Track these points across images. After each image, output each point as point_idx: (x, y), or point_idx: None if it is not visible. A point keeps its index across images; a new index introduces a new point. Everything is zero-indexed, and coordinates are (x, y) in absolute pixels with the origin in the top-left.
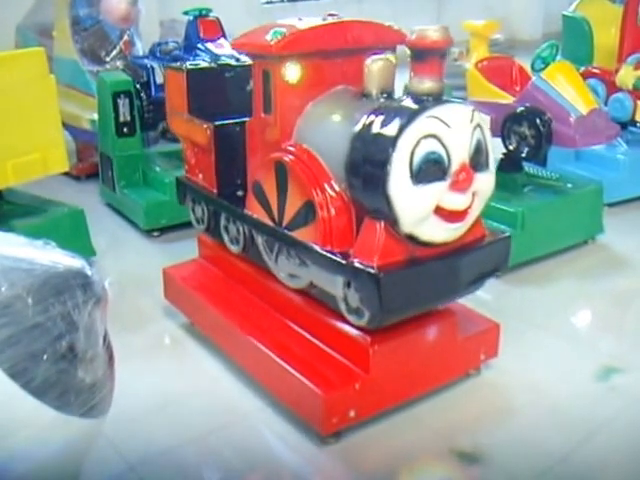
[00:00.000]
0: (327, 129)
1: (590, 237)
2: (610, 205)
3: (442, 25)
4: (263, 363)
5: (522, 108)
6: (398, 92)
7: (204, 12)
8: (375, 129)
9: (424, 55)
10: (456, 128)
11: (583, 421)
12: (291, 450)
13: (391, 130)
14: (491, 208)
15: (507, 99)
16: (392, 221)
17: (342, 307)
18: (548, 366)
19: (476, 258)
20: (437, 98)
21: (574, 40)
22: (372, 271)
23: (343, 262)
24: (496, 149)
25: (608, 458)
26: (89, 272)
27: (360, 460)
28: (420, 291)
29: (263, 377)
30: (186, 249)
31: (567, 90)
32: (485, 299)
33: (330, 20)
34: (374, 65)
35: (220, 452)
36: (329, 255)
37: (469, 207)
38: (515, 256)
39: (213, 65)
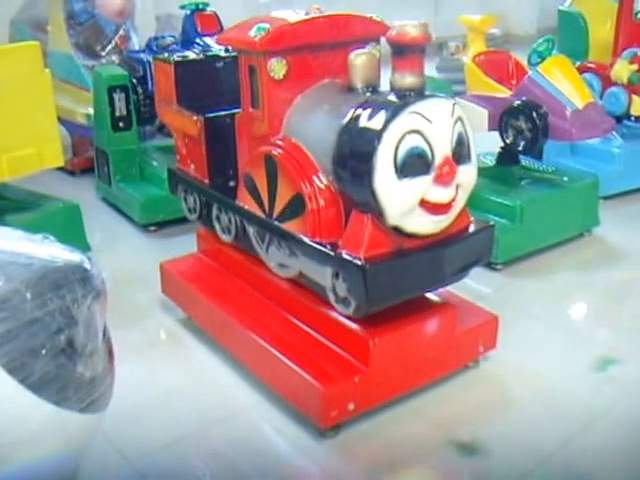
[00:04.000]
0: (315, 123)
1: (586, 229)
2: (606, 198)
3: (421, 21)
4: (262, 357)
5: (519, 102)
6: (385, 84)
7: (201, 6)
8: (361, 124)
9: (404, 51)
10: (438, 123)
11: (581, 411)
12: (290, 444)
13: (376, 126)
14: (489, 201)
15: (504, 93)
16: (378, 214)
17: (330, 297)
18: (546, 357)
19: (461, 248)
20: (419, 93)
21: (569, 35)
22: (359, 262)
23: (331, 253)
24: (493, 143)
25: (605, 448)
26: (88, 266)
27: (359, 453)
28: (406, 281)
29: (262, 371)
30: (183, 244)
31: (563, 84)
32: (483, 292)
33: (313, 14)
34: (358, 59)
35: (218, 446)
36: (318, 246)
37: (453, 200)
38: (513, 249)
39: (201, 56)
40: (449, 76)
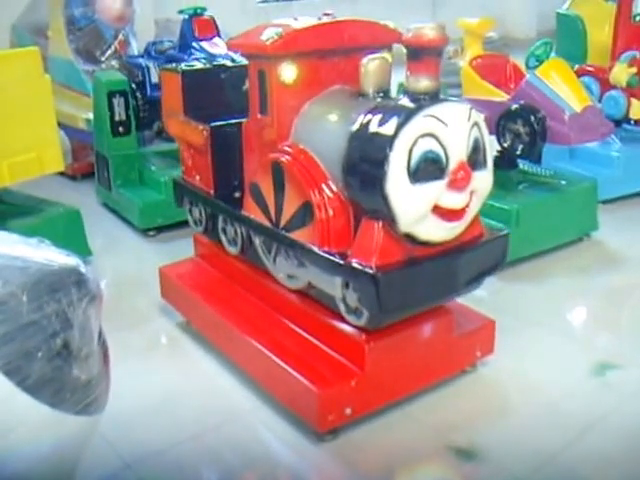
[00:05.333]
0: (324, 129)
1: (585, 234)
2: (604, 202)
3: (438, 23)
4: (259, 361)
5: (516, 106)
6: (394, 91)
7: (199, 11)
8: (372, 128)
9: (420, 54)
10: (453, 127)
11: (579, 417)
12: (288, 448)
13: (388, 129)
14: (486, 205)
15: (501, 97)
16: (390, 221)
17: (341, 308)
18: (543, 362)
19: (475, 256)
20: (434, 97)
21: (568, 38)
22: (370, 271)
23: (341, 263)
24: (491, 147)
25: (603, 453)
26: (83, 270)
27: (357, 457)
28: (419, 290)
29: (259, 375)
30: (182, 248)
31: (561, 87)
32: (480, 296)
33: (325, 20)
34: (370, 64)
35: (217, 450)
36: (327, 256)
37: (467, 206)
38: (510, 253)
39: (208, 66)
40: (445, 80)
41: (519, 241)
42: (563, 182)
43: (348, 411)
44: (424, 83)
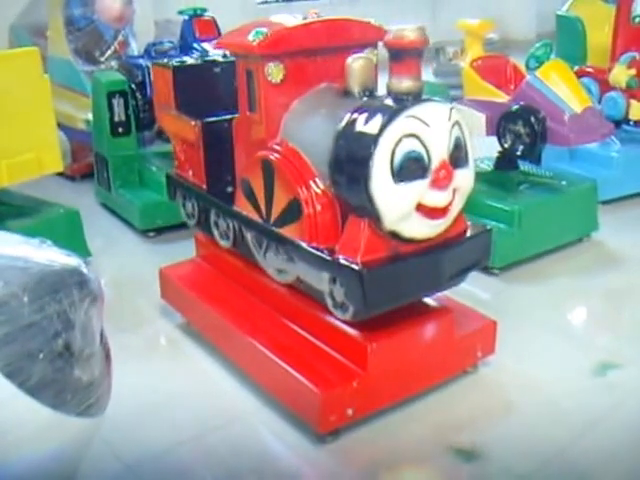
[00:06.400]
0: (312, 127)
1: (585, 234)
2: (604, 203)
3: (419, 25)
4: (260, 362)
5: (517, 107)
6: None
7: (199, 11)
8: (357, 128)
9: (401, 55)
10: (435, 127)
11: (580, 416)
12: (289, 449)
13: (372, 130)
14: (487, 206)
15: (502, 98)
16: (375, 218)
17: (328, 302)
18: (545, 362)
19: (458, 252)
20: (416, 97)
21: (568, 39)
22: (356, 267)
23: (328, 258)
24: (492, 147)
25: (605, 452)
26: (85, 270)
27: (358, 458)
28: (403, 286)
29: (260, 376)
30: (182, 249)
31: (561, 89)
32: (482, 297)
33: (311, 19)
34: (355, 64)
35: (217, 452)
36: (315, 252)
37: (450, 204)
38: (511, 254)
39: (200, 61)
40: (446, 81)
41: (521, 242)
42: (563, 183)
43: (350, 412)
44: (406, 84)
